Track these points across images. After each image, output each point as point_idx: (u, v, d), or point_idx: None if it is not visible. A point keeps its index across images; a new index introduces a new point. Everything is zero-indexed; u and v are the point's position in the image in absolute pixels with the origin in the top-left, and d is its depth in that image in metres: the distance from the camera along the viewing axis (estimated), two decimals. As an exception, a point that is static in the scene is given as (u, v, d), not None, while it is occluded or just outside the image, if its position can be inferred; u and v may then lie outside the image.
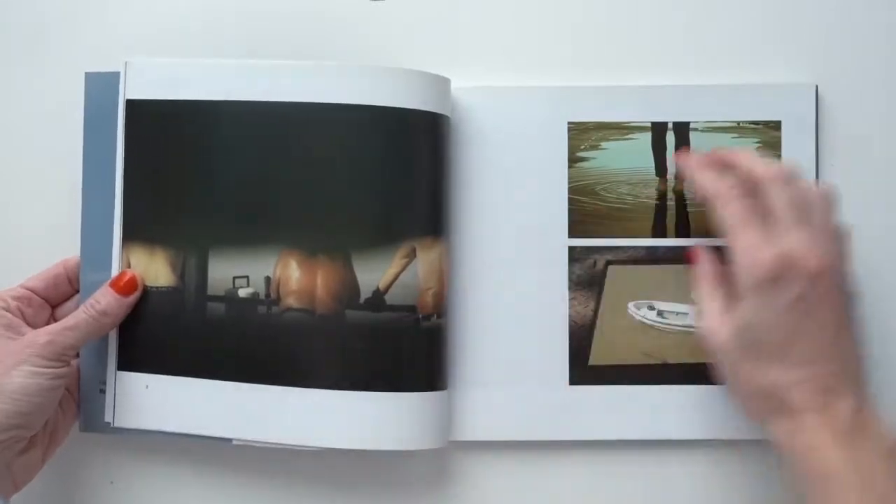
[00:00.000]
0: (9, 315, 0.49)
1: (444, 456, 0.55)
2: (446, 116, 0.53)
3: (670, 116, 0.55)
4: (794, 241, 0.46)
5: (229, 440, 0.52)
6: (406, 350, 0.52)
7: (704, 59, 0.56)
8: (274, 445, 0.51)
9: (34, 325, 0.51)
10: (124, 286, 0.51)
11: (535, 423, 0.54)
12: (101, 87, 0.53)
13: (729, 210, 0.48)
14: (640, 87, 0.55)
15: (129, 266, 0.52)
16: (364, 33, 0.56)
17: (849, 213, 0.53)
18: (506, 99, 0.55)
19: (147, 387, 0.52)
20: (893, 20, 0.56)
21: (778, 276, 0.45)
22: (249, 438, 0.51)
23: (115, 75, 0.52)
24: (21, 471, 0.49)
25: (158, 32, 0.56)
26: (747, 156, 0.50)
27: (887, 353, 0.55)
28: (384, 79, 0.51)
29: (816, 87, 0.55)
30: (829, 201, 0.48)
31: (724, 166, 0.51)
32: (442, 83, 0.53)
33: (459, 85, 0.54)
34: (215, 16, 0.56)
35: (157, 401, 0.52)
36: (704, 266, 0.51)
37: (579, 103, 0.55)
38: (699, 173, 0.51)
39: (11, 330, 0.49)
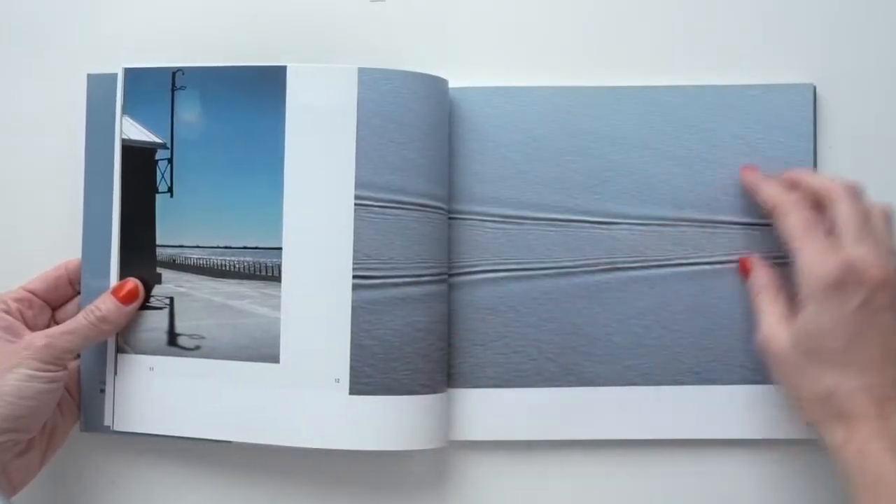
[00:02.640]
0: (9, 318, 0.49)
1: (444, 456, 0.55)
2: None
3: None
4: (859, 252, 0.46)
5: (228, 442, 0.52)
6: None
7: (703, 59, 0.55)
8: (274, 446, 0.51)
9: (35, 327, 0.51)
10: (125, 295, 0.51)
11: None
12: (103, 89, 0.53)
13: (792, 219, 0.48)
14: (638, 87, 0.55)
15: None
16: (363, 34, 0.56)
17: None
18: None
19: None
20: (892, 20, 0.55)
21: (842, 282, 0.46)
22: (249, 441, 0.51)
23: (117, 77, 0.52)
24: (18, 473, 0.49)
25: (160, 34, 0.56)
26: (812, 173, 0.52)
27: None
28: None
29: (814, 87, 0.55)
30: (889, 219, 0.49)
31: (789, 185, 0.51)
32: (440, 84, 0.53)
33: (457, 85, 0.54)
34: (215, 19, 0.56)
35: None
36: (761, 274, 0.52)
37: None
38: (764, 185, 0.51)
39: (10, 333, 0.49)
